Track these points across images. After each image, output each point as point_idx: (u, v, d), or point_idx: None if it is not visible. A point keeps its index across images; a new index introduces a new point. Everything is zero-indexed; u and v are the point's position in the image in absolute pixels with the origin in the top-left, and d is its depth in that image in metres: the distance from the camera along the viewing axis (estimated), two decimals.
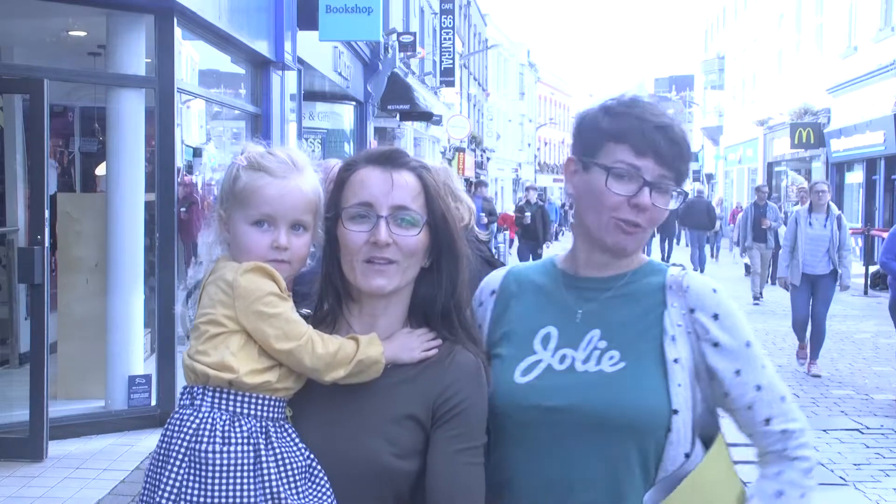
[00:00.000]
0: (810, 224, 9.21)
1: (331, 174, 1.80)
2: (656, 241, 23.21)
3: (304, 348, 1.60)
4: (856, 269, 11.40)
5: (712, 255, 24.26)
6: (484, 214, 16.79)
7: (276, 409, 1.62)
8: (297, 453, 1.60)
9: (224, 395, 1.59)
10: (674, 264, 1.86)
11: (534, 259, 16.72)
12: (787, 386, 1.81)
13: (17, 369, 7.62)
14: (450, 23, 28.88)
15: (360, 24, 11.59)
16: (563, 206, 36.54)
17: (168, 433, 1.59)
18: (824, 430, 7.07)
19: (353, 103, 17.20)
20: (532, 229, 16.77)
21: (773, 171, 30.11)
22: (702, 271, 17.84)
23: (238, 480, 1.53)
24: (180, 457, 1.55)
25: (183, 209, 7.59)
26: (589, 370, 1.73)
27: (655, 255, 15.76)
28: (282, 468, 1.57)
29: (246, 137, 9.64)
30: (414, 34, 21.21)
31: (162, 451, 1.58)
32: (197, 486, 1.53)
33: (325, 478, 1.62)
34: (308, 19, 11.16)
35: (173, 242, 7.01)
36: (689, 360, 1.73)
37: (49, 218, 6.07)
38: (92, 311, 6.99)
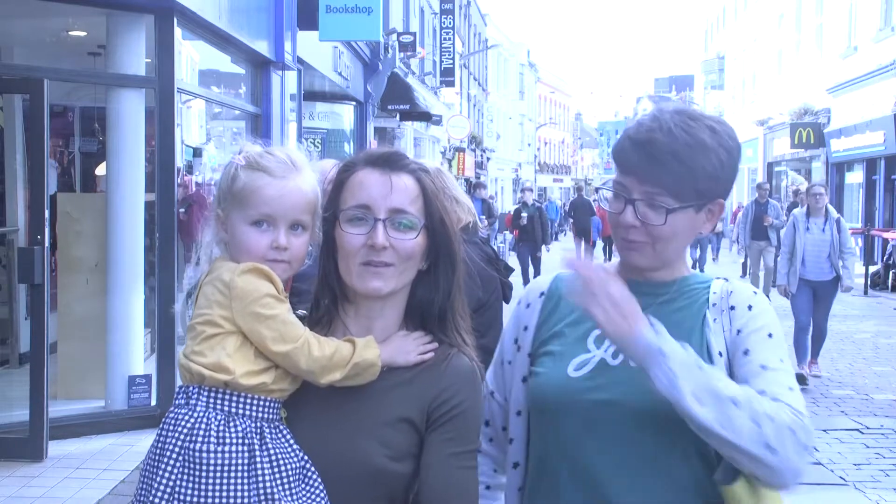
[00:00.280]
0: (808, 229, 8.93)
1: (328, 175, 1.79)
2: None
3: (300, 351, 1.60)
4: (856, 269, 11.37)
5: (713, 256, 24.23)
6: (484, 217, 16.74)
7: (271, 410, 1.62)
8: (292, 454, 1.60)
9: (219, 396, 1.59)
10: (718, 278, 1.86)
11: (533, 262, 16.70)
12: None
13: (17, 369, 7.63)
14: (450, 23, 28.88)
15: (360, 24, 11.60)
16: (563, 206, 36.52)
17: (163, 433, 1.59)
18: (824, 430, 7.07)
19: (353, 103, 17.20)
20: (530, 231, 16.65)
21: (773, 171, 30.10)
22: (701, 271, 17.77)
23: (232, 481, 1.53)
24: (174, 456, 1.55)
25: (182, 209, 7.58)
26: None
27: None
28: (276, 469, 1.57)
29: (246, 137, 9.63)
30: (414, 34, 21.21)
31: (156, 451, 1.58)
32: (191, 485, 1.53)
33: (319, 479, 1.62)
34: (308, 19, 11.17)
35: (173, 242, 7.01)
36: (726, 354, 1.73)
37: (49, 218, 6.07)
38: (92, 311, 7.00)
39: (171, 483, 1.53)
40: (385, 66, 18.20)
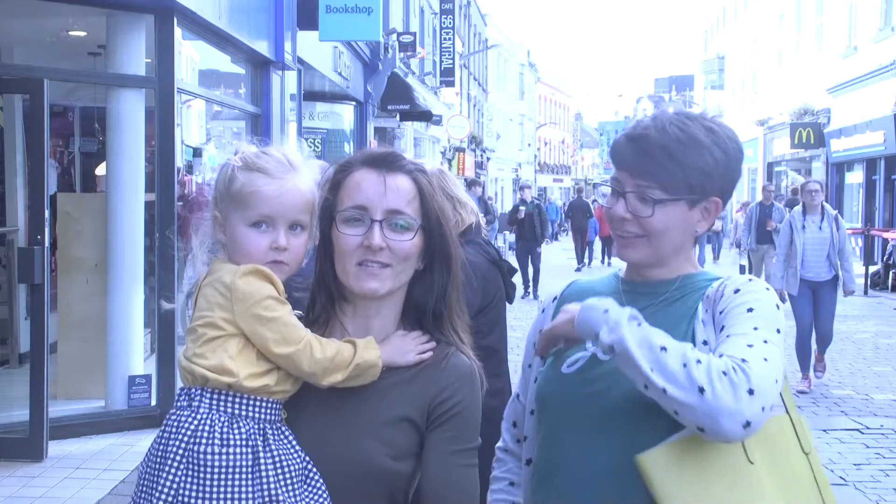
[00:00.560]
0: (804, 227, 8.62)
1: (324, 176, 1.79)
2: None
3: (302, 352, 1.60)
4: (856, 270, 11.34)
5: (714, 256, 24.21)
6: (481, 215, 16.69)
7: (273, 412, 1.63)
8: (294, 455, 1.61)
9: (223, 397, 1.59)
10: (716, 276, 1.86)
11: (532, 260, 16.71)
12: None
13: (17, 369, 7.62)
14: (450, 23, 28.88)
15: (360, 24, 11.59)
16: (563, 206, 36.52)
17: (165, 434, 1.58)
18: (824, 430, 7.06)
19: (353, 103, 17.19)
20: (528, 229, 16.65)
21: (773, 171, 30.10)
22: None
23: (236, 482, 1.53)
24: (178, 458, 1.54)
25: (181, 204, 7.57)
26: None
27: None
28: (279, 470, 1.57)
29: (245, 137, 9.64)
30: (414, 34, 21.21)
31: (159, 453, 1.57)
32: (195, 487, 1.53)
33: (321, 480, 1.62)
34: (308, 19, 11.17)
35: (173, 242, 7.01)
36: (714, 342, 1.71)
37: (49, 218, 6.07)
38: (92, 311, 7.00)
39: (174, 485, 1.53)
40: (385, 66, 18.20)
